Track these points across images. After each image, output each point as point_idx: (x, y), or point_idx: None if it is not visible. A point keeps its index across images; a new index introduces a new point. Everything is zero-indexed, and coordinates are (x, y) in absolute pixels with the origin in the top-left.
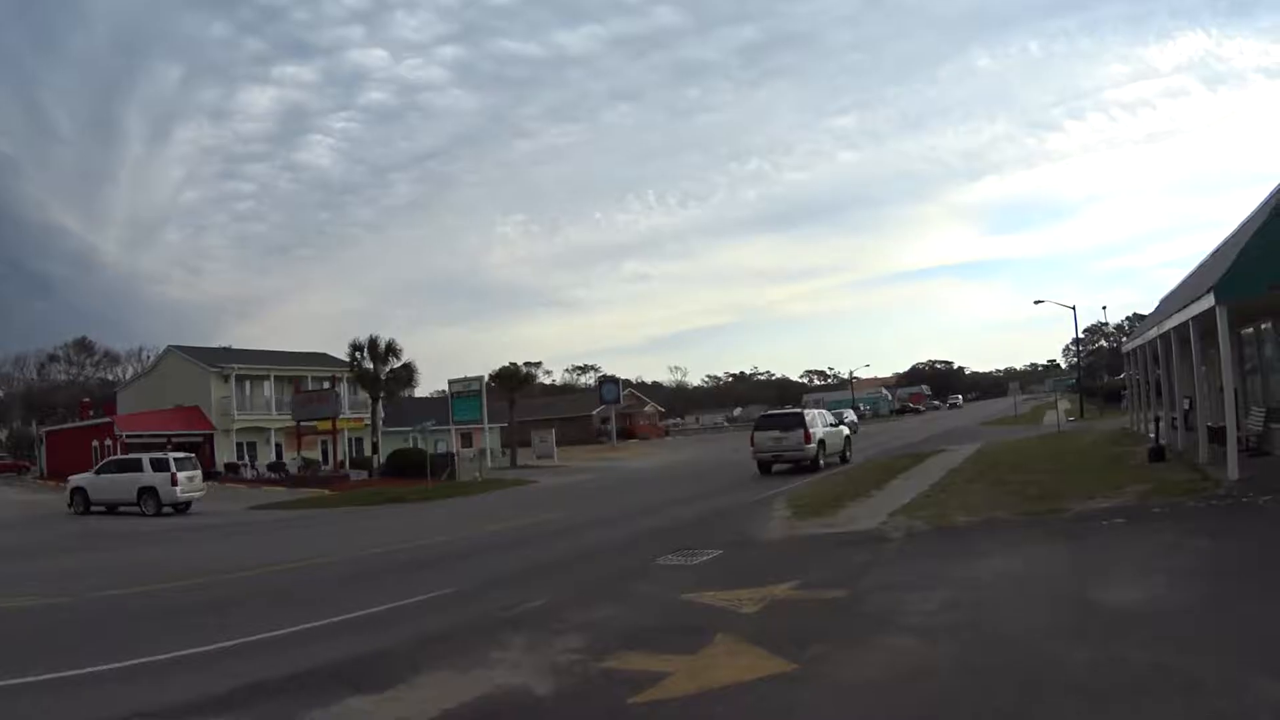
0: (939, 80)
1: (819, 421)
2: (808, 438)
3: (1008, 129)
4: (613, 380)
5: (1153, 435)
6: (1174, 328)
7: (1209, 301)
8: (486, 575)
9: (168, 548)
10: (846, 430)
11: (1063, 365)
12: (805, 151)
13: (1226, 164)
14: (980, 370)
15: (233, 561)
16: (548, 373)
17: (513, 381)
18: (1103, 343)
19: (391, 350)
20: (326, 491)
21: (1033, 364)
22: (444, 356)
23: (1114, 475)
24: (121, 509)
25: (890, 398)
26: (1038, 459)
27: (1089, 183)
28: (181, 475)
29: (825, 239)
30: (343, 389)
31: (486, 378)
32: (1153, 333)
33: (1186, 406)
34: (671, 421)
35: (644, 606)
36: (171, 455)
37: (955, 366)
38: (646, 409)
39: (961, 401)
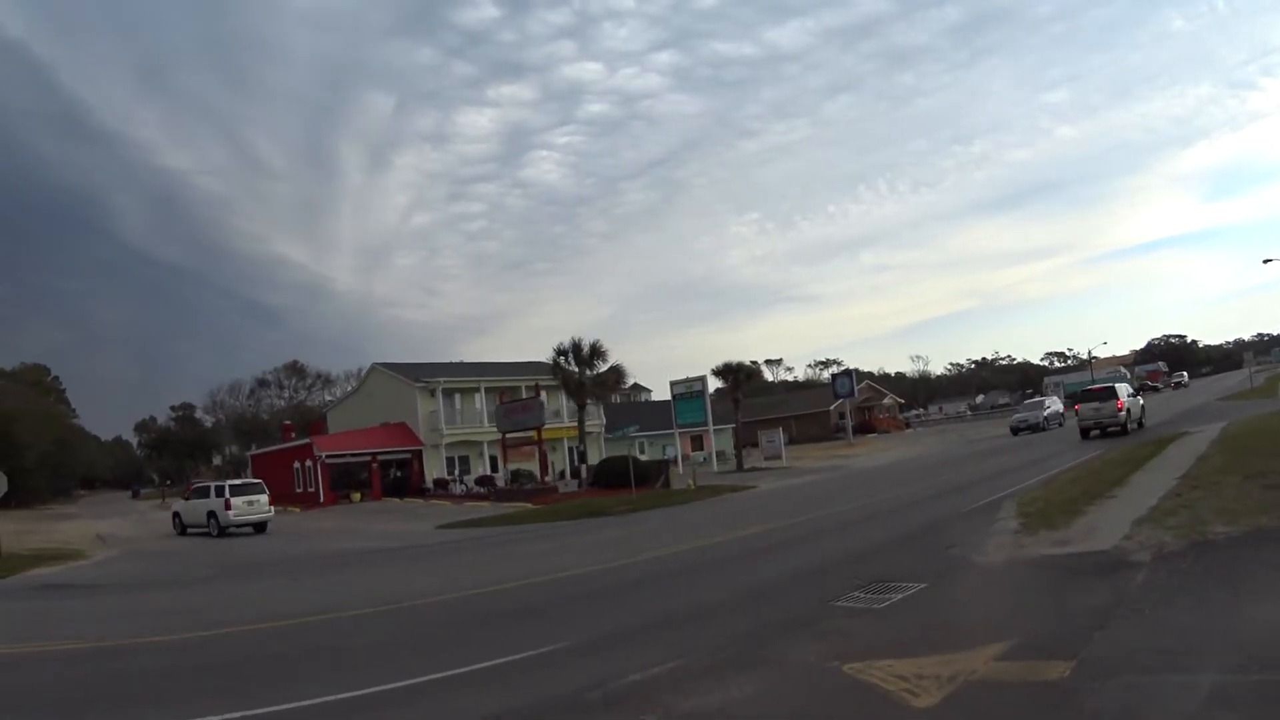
0: (1140, 45)
1: (1124, 393)
2: (1120, 406)
3: (1211, 91)
4: (846, 373)
5: None
6: None
7: None
8: (614, 624)
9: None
10: (1141, 400)
11: None
12: (1025, 129)
13: None
14: (1212, 343)
15: (308, 604)
16: (789, 369)
17: (736, 378)
18: None
19: (597, 353)
20: (530, 505)
21: (1260, 333)
22: (686, 359)
23: None
24: (236, 530)
25: (1129, 375)
26: None
27: None
28: (237, 500)
29: (1053, 217)
30: (560, 397)
31: (709, 376)
32: None
33: None
34: (914, 413)
35: (785, 685)
36: (230, 482)
37: (1189, 340)
38: (885, 401)
39: (1186, 379)
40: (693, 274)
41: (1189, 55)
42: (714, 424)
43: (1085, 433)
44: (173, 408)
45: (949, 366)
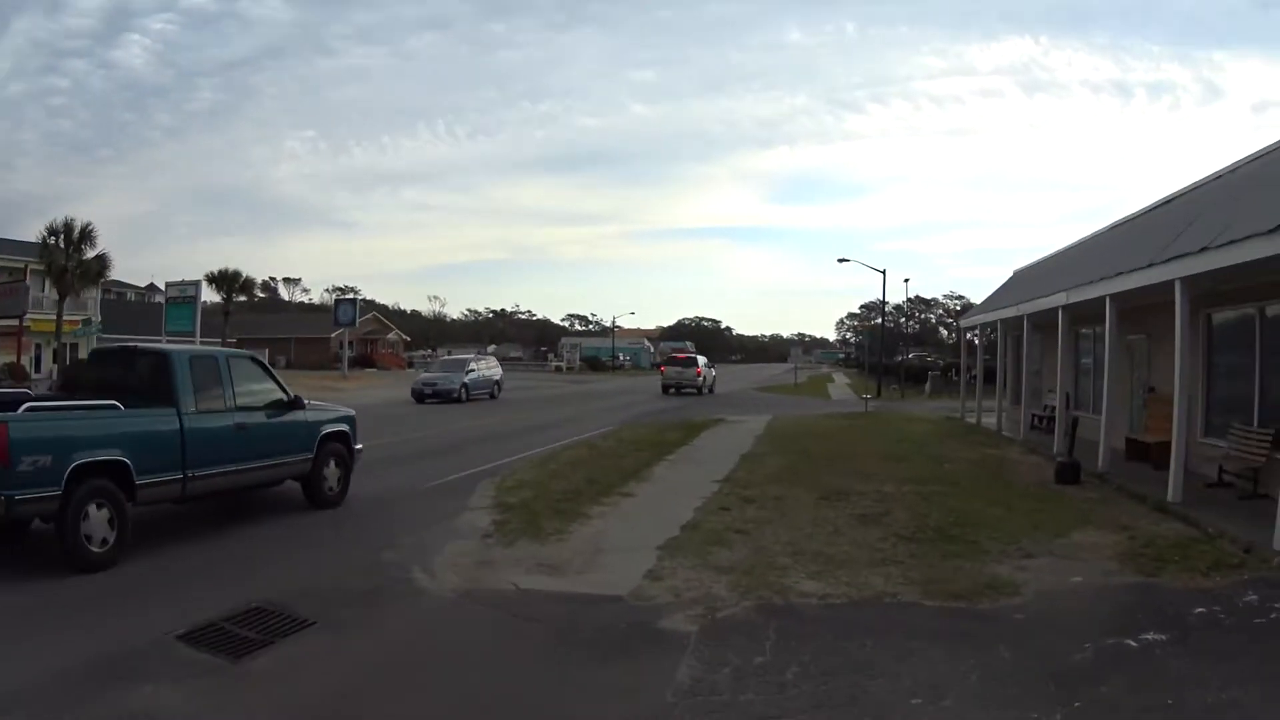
0: (747, 47)
1: (703, 363)
2: (699, 373)
3: (808, 103)
4: (350, 301)
5: (1034, 433)
6: (1069, 305)
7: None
8: None
9: None
10: (714, 371)
11: (831, 339)
12: (600, 100)
13: (1031, 168)
14: (746, 334)
15: None
16: (306, 291)
17: (230, 288)
18: (878, 320)
19: (86, 237)
20: None
21: (800, 333)
22: (219, 265)
23: (1023, 502)
24: None
25: (652, 350)
26: (867, 454)
27: (883, 165)
28: None
29: (608, 187)
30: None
31: (204, 283)
32: (1011, 311)
33: (1064, 403)
34: (423, 353)
35: None
36: None
37: (722, 326)
38: (390, 336)
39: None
40: (243, 182)
41: (797, 66)
42: (206, 335)
43: (666, 389)
44: None
45: (466, 312)
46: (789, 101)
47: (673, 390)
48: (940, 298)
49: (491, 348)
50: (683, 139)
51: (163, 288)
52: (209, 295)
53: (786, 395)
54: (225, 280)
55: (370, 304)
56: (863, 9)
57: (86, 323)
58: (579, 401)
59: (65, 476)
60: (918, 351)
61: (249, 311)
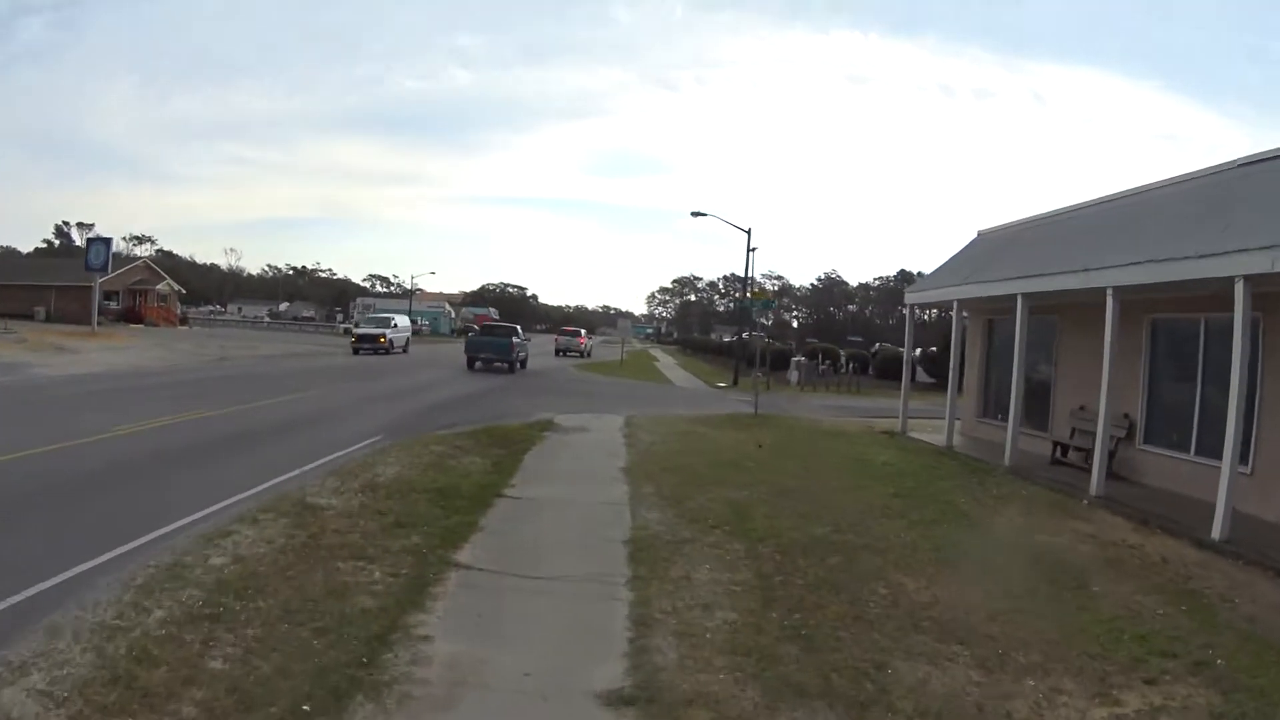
0: (568, 19)
1: (584, 334)
2: (583, 341)
3: (624, 78)
4: (103, 241)
5: (1060, 469)
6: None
7: None
8: None
9: None
10: (594, 340)
11: (637, 313)
12: (426, 63)
13: (852, 157)
14: (551, 303)
15: None
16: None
17: None
18: (692, 296)
19: None
20: None
21: (606, 306)
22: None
23: None
24: None
25: (454, 315)
26: (880, 541)
27: (698, 146)
28: None
29: (425, 150)
30: None
31: None
32: (1038, 284)
33: (1124, 432)
34: (209, 308)
35: None
36: None
37: (528, 294)
38: (159, 287)
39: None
40: (69, 128)
41: (619, 42)
42: None
43: (557, 353)
44: None
45: (266, 267)
46: (608, 75)
47: (561, 354)
48: (758, 276)
49: (284, 305)
50: (503, 107)
51: None
52: None
53: (617, 378)
54: None
55: (167, 255)
56: None
57: None
58: (329, 384)
59: (516, 357)
60: (735, 330)
61: (38, 257)
